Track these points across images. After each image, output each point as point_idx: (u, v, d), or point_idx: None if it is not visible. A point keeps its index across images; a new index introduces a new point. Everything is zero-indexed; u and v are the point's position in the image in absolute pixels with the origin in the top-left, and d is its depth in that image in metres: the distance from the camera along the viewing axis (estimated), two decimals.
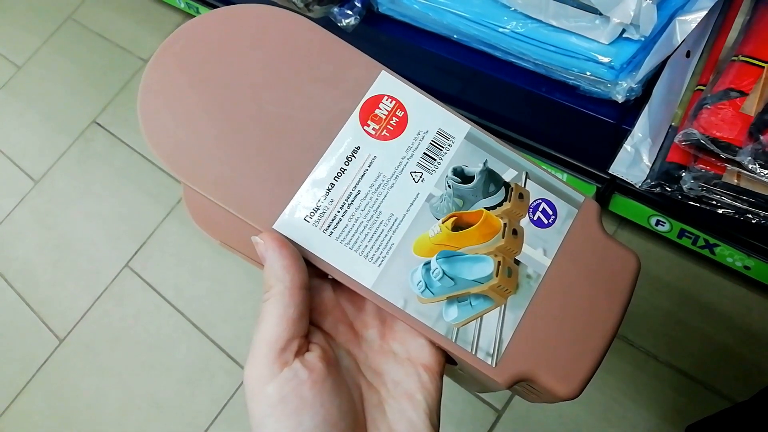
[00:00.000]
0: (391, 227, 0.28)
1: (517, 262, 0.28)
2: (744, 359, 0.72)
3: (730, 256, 0.69)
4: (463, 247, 0.28)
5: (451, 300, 0.27)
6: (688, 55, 0.62)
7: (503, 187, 0.29)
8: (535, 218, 0.29)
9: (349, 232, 0.27)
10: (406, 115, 0.29)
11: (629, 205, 0.72)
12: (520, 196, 0.29)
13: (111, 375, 0.96)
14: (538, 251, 0.28)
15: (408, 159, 0.29)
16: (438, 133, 0.29)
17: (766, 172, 0.50)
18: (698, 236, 0.69)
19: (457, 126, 0.29)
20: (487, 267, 0.28)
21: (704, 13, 0.58)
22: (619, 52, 0.57)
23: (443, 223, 0.28)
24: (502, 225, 0.28)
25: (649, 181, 0.57)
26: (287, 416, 0.23)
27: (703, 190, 0.54)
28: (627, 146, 0.59)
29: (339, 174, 0.28)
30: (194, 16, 1.18)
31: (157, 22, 1.26)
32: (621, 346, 0.76)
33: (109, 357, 0.98)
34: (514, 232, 0.28)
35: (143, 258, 1.04)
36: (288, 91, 0.28)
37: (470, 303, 0.27)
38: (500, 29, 0.62)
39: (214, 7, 1.09)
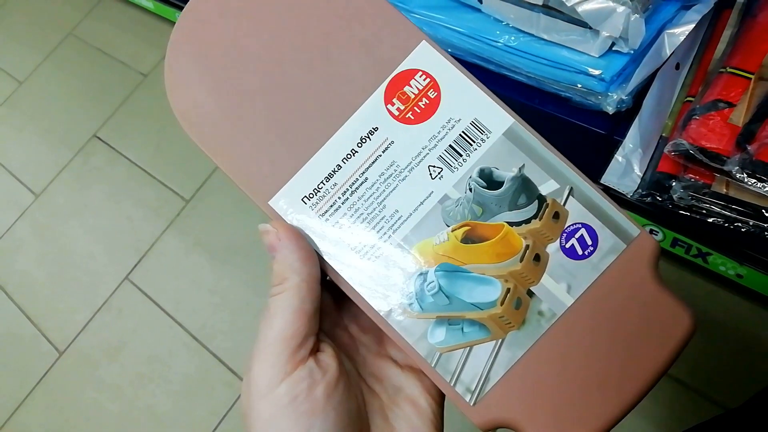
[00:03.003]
0: (392, 226, 0.25)
1: (531, 294, 0.24)
2: (737, 367, 0.73)
3: (722, 264, 0.69)
4: (470, 264, 0.24)
5: (441, 320, 0.24)
6: (677, 67, 0.64)
7: (536, 201, 0.24)
8: (568, 246, 0.24)
9: (345, 222, 0.25)
10: (438, 97, 0.25)
11: None
12: (556, 215, 0.24)
13: (110, 387, 0.97)
14: (560, 286, 0.24)
15: (429, 150, 0.25)
16: (472, 123, 0.25)
17: (753, 181, 0.51)
18: (691, 245, 0.70)
19: (498, 118, 0.25)
20: (493, 292, 0.24)
21: (692, 26, 0.59)
22: (609, 64, 0.58)
23: (453, 231, 0.24)
24: (524, 246, 0.24)
25: (640, 190, 0.58)
26: (297, 419, 0.21)
27: (692, 199, 0.55)
28: (618, 157, 0.60)
29: (349, 156, 0.25)
30: None
31: (157, 37, 1.28)
32: None
33: (108, 369, 0.98)
34: (536, 257, 0.24)
35: (143, 270, 1.05)
36: (316, 54, 0.25)
37: (462, 328, 0.24)
38: (493, 43, 0.64)
39: None
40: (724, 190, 0.54)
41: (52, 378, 1.00)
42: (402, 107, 0.25)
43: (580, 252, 0.24)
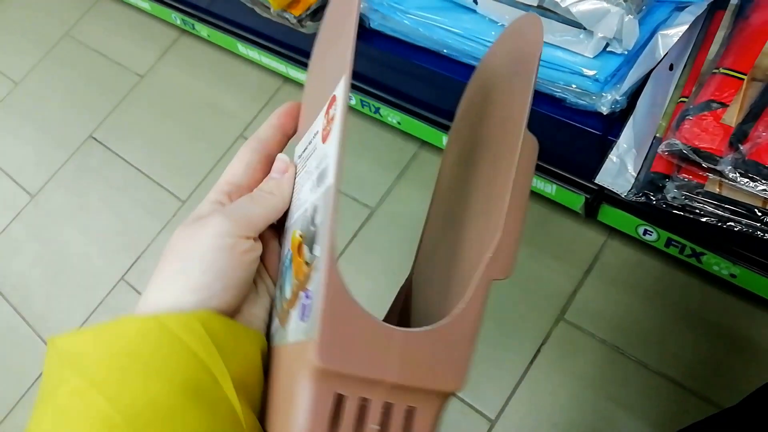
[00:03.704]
0: (299, 207, 0.30)
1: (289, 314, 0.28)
2: (732, 367, 0.73)
3: (716, 264, 0.70)
4: (293, 264, 0.29)
5: (283, 278, 0.30)
6: (671, 68, 0.64)
7: (313, 255, 0.26)
8: (304, 302, 0.26)
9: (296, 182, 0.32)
10: (329, 132, 0.27)
11: (617, 215, 0.73)
12: (306, 276, 0.26)
13: None
14: (294, 326, 0.26)
15: (317, 169, 0.28)
16: (326, 167, 0.27)
17: (746, 180, 0.51)
18: (685, 245, 0.70)
19: (331, 174, 0.26)
20: (289, 292, 0.28)
21: (685, 27, 0.60)
22: (604, 65, 0.59)
23: (298, 236, 0.29)
24: (298, 282, 0.27)
25: (634, 190, 0.59)
26: (227, 261, 0.28)
27: (686, 199, 0.55)
28: (613, 157, 0.60)
29: (309, 141, 0.31)
30: (190, 33, 1.20)
31: (153, 38, 1.28)
32: (613, 356, 0.77)
33: None
34: (296, 294, 0.28)
35: (138, 271, 1.05)
36: (330, 51, 0.31)
37: (283, 294, 0.30)
38: (488, 44, 0.64)
39: (209, 23, 1.11)
40: (717, 190, 0.54)
41: None
42: (326, 124, 0.28)
43: (300, 314, 0.26)
